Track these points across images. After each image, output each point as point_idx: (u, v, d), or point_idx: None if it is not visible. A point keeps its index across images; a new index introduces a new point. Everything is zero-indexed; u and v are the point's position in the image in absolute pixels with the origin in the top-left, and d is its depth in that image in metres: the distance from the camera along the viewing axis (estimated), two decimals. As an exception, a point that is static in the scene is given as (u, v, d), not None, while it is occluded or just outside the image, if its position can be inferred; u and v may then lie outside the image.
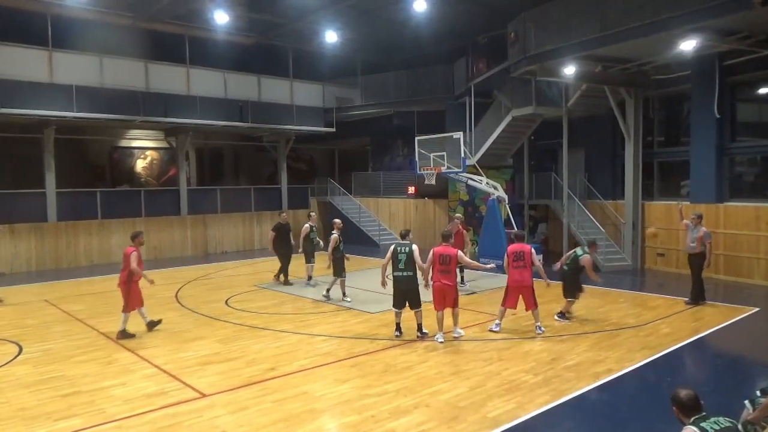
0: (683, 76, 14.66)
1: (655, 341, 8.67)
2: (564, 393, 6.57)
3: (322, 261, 12.53)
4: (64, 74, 17.03)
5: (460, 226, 12.65)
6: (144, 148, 23.31)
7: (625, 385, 7.04)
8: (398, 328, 9.05)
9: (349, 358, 8.00)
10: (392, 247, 8.94)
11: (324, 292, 11.88)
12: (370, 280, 11.82)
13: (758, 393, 5.03)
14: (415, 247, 8.87)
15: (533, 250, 9.22)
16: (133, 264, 9.10)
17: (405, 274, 8.82)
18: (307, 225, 13.62)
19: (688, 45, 11.90)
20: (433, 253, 8.73)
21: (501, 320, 9.35)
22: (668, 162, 16.23)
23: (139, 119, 18.32)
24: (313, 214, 14.47)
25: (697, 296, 11.12)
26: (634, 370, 7.44)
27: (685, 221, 11.26)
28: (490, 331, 9.25)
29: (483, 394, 6.56)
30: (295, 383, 7.01)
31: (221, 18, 18.01)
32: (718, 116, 13.88)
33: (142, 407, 6.29)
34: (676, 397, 3.84)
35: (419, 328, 8.99)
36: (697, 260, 11.04)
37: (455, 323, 8.99)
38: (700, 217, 11.18)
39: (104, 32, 18.04)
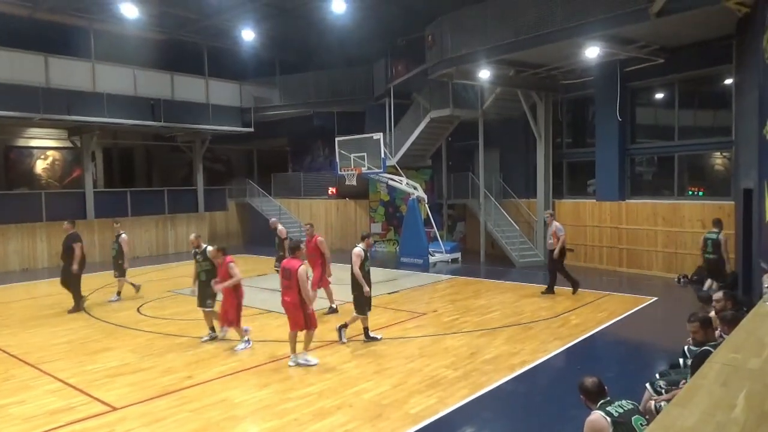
0: (588, 82, 15.59)
1: (566, 332, 9.13)
2: (482, 386, 6.76)
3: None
4: (-49, 67, 15.57)
5: (316, 235, 10.78)
6: (45, 147, 21.75)
7: (540, 375, 7.34)
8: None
9: (269, 362, 7.83)
10: None
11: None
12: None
13: (657, 376, 5.43)
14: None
15: (302, 270, 7.38)
16: None
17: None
18: (125, 235, 12.41)
19: (592, 52, 12.65)
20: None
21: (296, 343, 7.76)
22: (576, 162, 17.13)
23: (38, 117, 17.03)
24: (117, 224, 13.11)
25: (551, 287, 11.99)
26: (547, 360, 7.78)
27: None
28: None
29: (405, 390, 6.63)
30: (214, 390, 6.77)
31: (130, 11, 17.08)
32: (619, 119, 14.83)
33: (44, 425, 5.85)
34: (582, 386, 4.06)
35: (342, 327, 8.85)
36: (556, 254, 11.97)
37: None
38: (552, 215, 12.27)
39: (-1, 22, 16.70)
